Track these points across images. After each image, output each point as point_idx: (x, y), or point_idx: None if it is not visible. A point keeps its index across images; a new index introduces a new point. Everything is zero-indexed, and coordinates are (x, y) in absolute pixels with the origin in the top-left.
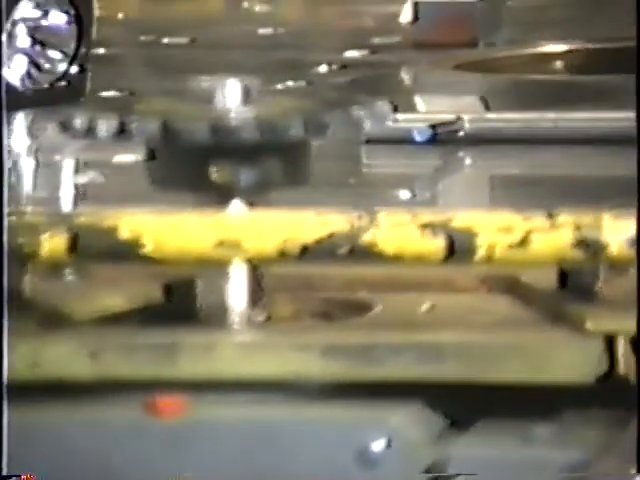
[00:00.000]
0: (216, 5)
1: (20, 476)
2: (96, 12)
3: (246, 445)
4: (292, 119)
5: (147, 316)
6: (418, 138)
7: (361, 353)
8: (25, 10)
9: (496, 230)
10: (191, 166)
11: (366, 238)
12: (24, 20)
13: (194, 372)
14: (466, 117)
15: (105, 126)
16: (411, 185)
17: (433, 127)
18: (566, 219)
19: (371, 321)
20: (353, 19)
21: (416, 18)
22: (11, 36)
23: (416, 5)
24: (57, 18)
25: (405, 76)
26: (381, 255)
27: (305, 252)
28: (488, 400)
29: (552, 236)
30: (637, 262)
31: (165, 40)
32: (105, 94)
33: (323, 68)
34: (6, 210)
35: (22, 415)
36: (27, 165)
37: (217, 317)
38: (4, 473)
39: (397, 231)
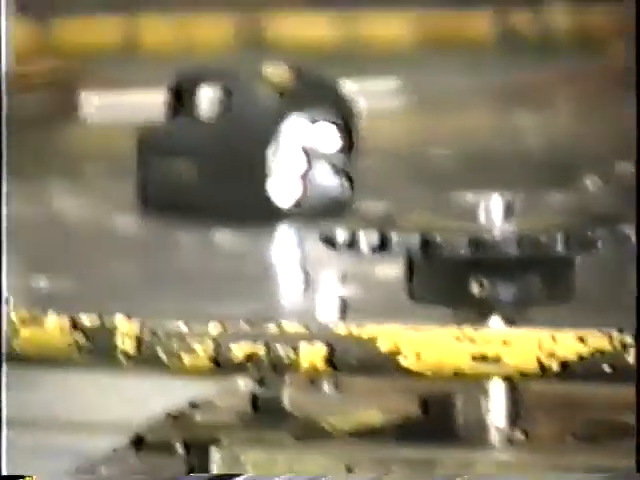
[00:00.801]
0: (483, 118)
1: (20, 476)
2: (364, 126)
3: None
4: (555, 234)
5: (404, 430)
6: None
7: (626, 477)
8: (294, 126)
9: None
10: (450, 280)
11: (630, 357)
12: (293, 135)
13: None
14: None
15: (367, 239)
16: None
17: None
18: None
19: (635, 445)
20: (626, 129)
21: None
22: (279, 150)
23: None
24: (326, 133)
25: None
26: None
27: (566, 370)
28: None
29: None
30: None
31: (430, 152)
32: (369, 206)
33: (592, 180)
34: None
35: None
36: (291, 276)
37: (475, 434)
38: (4, 473)
39: None
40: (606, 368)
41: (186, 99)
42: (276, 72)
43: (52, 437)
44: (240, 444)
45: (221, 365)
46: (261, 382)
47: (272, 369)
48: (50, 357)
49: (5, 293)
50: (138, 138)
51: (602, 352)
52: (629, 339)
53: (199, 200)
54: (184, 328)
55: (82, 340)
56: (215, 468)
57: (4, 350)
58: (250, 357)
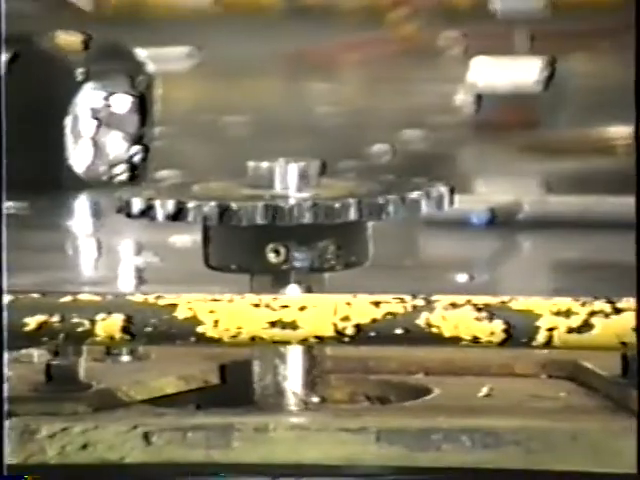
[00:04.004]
0: (275, 85)
1: (21, 477)
2: (158, 93)
3: None
4: (348, 201)
5: (202, 398)
6: (476, 221)
7: (417, 437)
8: (88, 93)
9: (555, 314)
10: (247, 248)
11: (421, 320)
12: (87, 103)
13: (248, 454)
14: (526, 200)
15: (162, 208)
16: (469, 268)
17: (492, 210)
18: (627, 304)
19: (427, 405)
20: (412, 98)
21: (478, 110)
22: (75, 119)
23: (479, 98)
24: (120, 101)
25: (464, 157)
26: (437, 338)
27: (360, 334)
28: None
29: (613, 321)
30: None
31: (224, 119)
32: (164, 174)
33: (380, 147)
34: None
35: None
36: (87, 246)
37: (272, 399)
38: (4, 473)
39: (453, 314)
40: (398, 331)
41: None
42: (69, 39)
43: None
44: (34, 416)
45: (14, 336)
46: (56, 353)
47: (67, 340)
48: None
49: None
50: None
51: (395, 315)
52: (421, 302)
53: None
54: None
55: None
56: (9, 440)
57: None
58: (44, 328)
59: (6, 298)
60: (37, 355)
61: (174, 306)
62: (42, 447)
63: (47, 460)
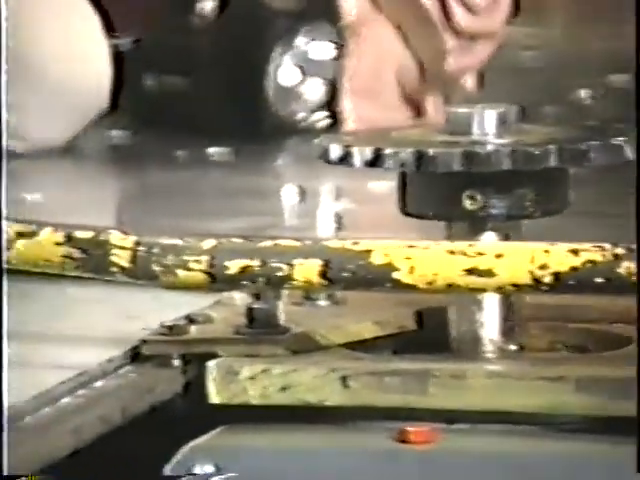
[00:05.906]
0: None
1: (22, 476)
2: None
3: (496, 477)
4: (548, 147)
5: (398, 343)
6: None
7: (617, 387)
8: (291, 40)
9: None
10: (443, 194)
11: (623, 269)
12: (290, 50)
13: (445, 401)
14: None
15: (360, 154)
16: None
17: None
18: None
19: (628, 355)
20: (618, 41)
21: None
22: (278, 66)
23: None
24: (322, 48)
25: None
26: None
27: (559, 282)
28: None
29: None
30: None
31: None
32: None
33: (584, 93)
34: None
35: (272, 439)
36: (288, 191)
37: (469, 346)
38: (5, 473)
39: None
40: (598, 279)
41: (180, 8)
42: None
43: (48, 351)
44: (236, 357)
45: (217, 280)
46: (257, 296)
47: (267, 284)
48: (44, 270)
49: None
50: (127, 52)
51: (594, 263)
52: (621, 250)
53: (193, 114)
54: (179, 242)
55: (76, 253)
56: (211, 381)
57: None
58: (245, 271)
59: (209, 242)
60: (239, 298)
61: (370, 252)
62: (244, 388)
63: (249, 400)
